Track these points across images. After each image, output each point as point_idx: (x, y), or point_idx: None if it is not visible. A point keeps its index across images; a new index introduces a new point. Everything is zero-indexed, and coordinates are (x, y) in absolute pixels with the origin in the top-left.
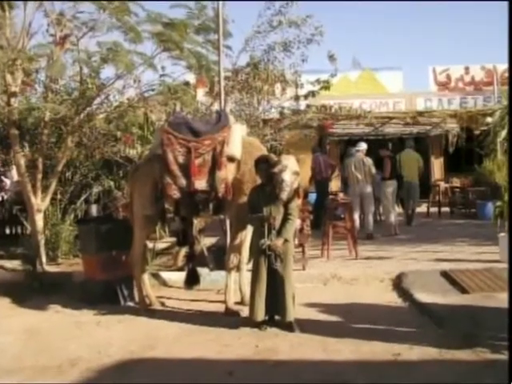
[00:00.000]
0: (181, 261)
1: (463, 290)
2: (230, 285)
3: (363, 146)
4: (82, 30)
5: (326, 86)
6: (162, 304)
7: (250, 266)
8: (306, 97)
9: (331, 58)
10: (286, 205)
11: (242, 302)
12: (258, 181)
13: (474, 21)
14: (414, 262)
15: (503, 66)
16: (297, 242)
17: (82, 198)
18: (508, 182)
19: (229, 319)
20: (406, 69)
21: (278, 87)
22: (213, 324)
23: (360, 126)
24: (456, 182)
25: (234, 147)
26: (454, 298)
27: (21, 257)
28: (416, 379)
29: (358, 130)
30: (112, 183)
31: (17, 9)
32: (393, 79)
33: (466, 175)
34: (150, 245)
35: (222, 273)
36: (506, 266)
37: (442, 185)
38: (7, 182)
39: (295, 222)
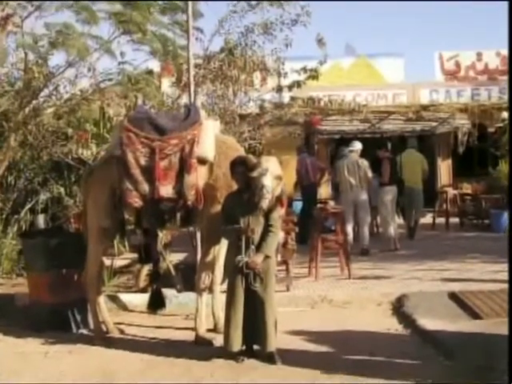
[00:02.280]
0: (143, 281)
1: (475, 315)
2: (201, 309)
3: (358, 145)
4: (26, 9)
5: (314, 75)
6: (122, 331)
7: (225, 286)
8: (290, 88)
9: (320, 42)
10: (267, 215)
11: (215, 329)
12: (234, 186)
13: None
14: (417, 282)
15: None
16: (280, 258)
17: (27, 207)
18: (508, 188)
19: (200, 349)
20: (408, 55)
21: (257, 76)
22: (181, 355)
23: (354, 122)
24: (467, 188)
25: (206, 147)
26: (465, 325)
27: None
28: None
29: (352, 126)
30: (62, 189)
31: None
32: (392, 67)
33: (479, 180)
34: (107, 262)
35: (192, 295)
36: None
37: (451, 191)
38: None
39: (278, 235)
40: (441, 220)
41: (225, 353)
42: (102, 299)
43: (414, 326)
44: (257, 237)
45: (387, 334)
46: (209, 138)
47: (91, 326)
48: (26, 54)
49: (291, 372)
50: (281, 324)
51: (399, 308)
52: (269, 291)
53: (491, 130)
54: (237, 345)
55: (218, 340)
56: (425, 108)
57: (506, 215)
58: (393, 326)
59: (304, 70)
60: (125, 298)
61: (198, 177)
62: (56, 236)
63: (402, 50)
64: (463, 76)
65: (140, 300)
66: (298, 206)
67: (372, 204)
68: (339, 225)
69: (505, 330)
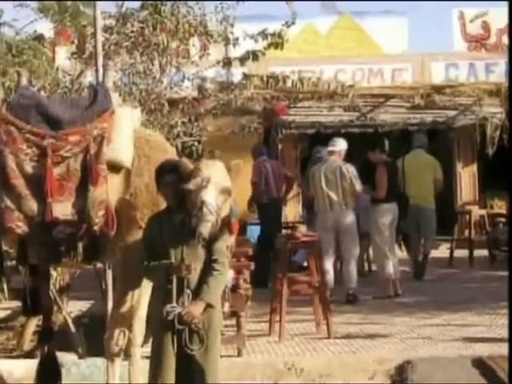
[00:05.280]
0: (29, 341)
1: None
2: (113, 382)
3: (340, 144)
4: None
5: (278, 42)
6: None
7: (148, 349)
8: (242, 61)
9: None
10: (210, 245)
11: None
12: (162, 204)
13: None
14: (426, 343)
15: None
16: (228, 308)
17: None
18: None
19: None
20: (413, 14)
21: (194, 44)
22: None
23: (335, 110)
24: (499, 205)
25: (120, 147)
26: None
27: None
28: None
29: (333, 117)
30: None
31: None
32: (391, 31)
33: None
34: None
35: (100, 361)
36: None
37: (476, 211)
38: None
39: (225, 276)
40: (462, 252)
41: None
42: None
43: None
44: (194, 277)
45: None
46: (124, 133)
47: None
48: None
49: None
50: None
51: (401, 381)
52: (211, 356)
53: None
54: None
55: None
56: (438, 90)
57: None
58: None
59: (263, 34)
60: (3, 365)
61: (108, 190)
62: None
63: (405, 6)
64: (494, 44)
65: (24, 369)
66: (254, 232)
67: (362, 229)
68: (314, 260)
69: None
